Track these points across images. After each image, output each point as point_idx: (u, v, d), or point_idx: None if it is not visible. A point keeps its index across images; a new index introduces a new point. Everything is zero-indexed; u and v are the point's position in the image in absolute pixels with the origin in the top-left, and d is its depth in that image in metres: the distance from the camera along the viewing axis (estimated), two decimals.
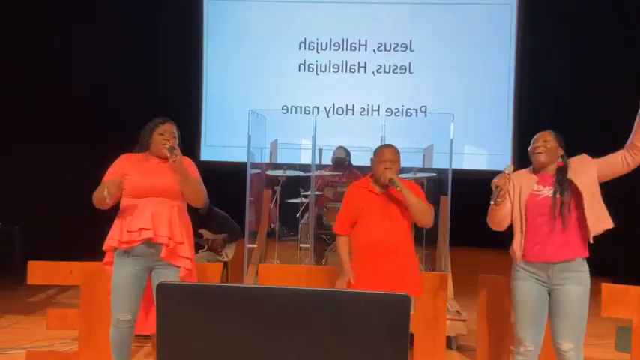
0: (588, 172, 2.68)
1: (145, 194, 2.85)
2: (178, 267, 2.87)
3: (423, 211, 2.98)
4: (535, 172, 2.82)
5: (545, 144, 2.76)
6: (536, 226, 2.72)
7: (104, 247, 2.91)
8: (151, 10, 7.31)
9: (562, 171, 2.72)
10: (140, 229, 2.79)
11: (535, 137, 2.83)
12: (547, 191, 2.72)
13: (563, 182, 2.68)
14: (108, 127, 6.62)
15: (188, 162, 2.99)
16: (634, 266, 5.03)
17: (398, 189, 2.92)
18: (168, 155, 2.80)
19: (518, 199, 2.77)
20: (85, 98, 6.80)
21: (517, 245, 2.76)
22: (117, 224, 2.88)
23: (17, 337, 4.21)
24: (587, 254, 2.71)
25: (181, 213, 2.94)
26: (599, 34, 6.76)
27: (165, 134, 2.92)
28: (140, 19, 7.24)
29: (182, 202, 2.96)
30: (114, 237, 2.86)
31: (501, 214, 2.78)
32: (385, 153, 3.05)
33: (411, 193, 2.95)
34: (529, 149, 2.83)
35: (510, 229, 2.84)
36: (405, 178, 5.10)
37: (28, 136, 6.27)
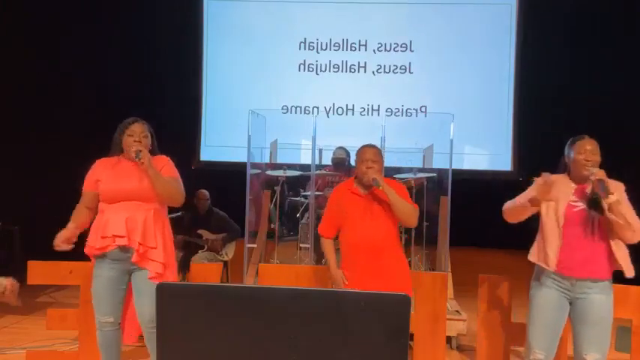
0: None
1: (119, 199, 2.82)
2: (151, 271, 2.85)
3: (406, 211, 2.96)
4: (574, 180, 2.72)
5: (594, 157, 2.63)
6: (568, 238, 2.65)
7: (85, 252, 2.92)
8: (151, 10, 7.31)
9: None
10: (114, 235, 2.77)
11: (580, 145, 2.68)
12: (583, 204, 2.65)
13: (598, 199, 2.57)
14: (108, 127, 6.59)
15: (165, 160, 2.94)
16: (634, 266, 5.02)
17: (380, 188, 2.90)
18: (134, 158, 2.78)
19: (554, 207, 2.69)
20: (85, 98, 6.80)
21: (553, 254, 2.66)
22: (93, 230, 2.87)
23: (17, 337, 4.21)
24: (611, 275, 2.67)
25: (158, 216, 2.88)
26: (599, 34, 6.76)
27: (135, 135, 2.85)
28: (140, 19, 7.24)
29: (159, 204, 2.90)
30: (88, 243, 2.87)
31: (528, 213, 2.73)
32: (365, 152, 3.02)
33: (394, 193, 2.93)
34: (576, 157, 2.67)
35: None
36: (403, 178, 5.12)
37: (28, 136, 6.27)
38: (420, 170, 5.52)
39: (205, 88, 7.79)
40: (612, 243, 2.60)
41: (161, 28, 7.42)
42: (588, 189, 2.65)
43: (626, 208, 2.58)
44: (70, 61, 6.81)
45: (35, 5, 6.48)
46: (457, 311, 4.32)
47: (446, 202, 5.14)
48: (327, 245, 3.15)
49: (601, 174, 2.55)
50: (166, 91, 7.36)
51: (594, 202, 2.61)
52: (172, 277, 2.95)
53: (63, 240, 2.82)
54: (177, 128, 7.06)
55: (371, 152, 3.02)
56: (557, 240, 2.67)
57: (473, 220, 6.34)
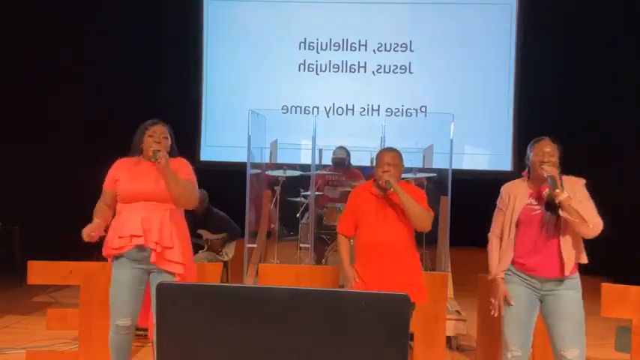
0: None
1: (136, 198, 2.84)
2: (171, 273, 2.84)
3: (418, 215, 2.96)
4: (531, 183, 2.77)
5: (551, 159, 2.66)
6: (526, 240, 2.69)
7: (104, 254, 2.92)
8: (151, 10, 7.31)
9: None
10: (131, 235, 2.78)
11: (538, 147, 2.72)
12: (540, 207, 2.68)
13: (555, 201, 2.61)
14: (108, 127, 6.63)
15: (183, 163, 2.97)
16: (634, 266, 5.02)
17: (391, 189, 2.92)
18: (152, 158, 2.80)
19: (512, 210, 2.74)
20: (85, 98, 6.80)
21: (504, 253, 2.76)
22: (110, 230, 2.88)
23: (17, 337, 4.21)
24: (576, 271, 2.69)
25: (174, 216, 2.89)
26: (600, 35, 6.76)
27: (155, 136, 2.89)
28: (140, 19, 7.25)
29: (175, 206, 2.91)
30: (106, 244, 2.87)
31: None
32: (384, 156, 3.05)
33: (407, 196, 2.93)
34: (533, 159, 2.71)
35: None
36: (406, 179, 5.12)
37: (28, 137, 6.28)
38: (420, 170, 5.52)
39: (205, 88, 7.79)
40: (563, 240, 2.63)
41: (161, 28, 7.42)
42: (545, 191, 2.69)
43: (585, 202, 2.61)
44: (70, 61, 6.81)
45: (35, 5, 6.49)
46: (457, 311, 4.32)
47: (446, 202, 5.15)
48: (342, 243, 3.19)
49: (552, 171, 2.60)
50: (166, 91, 7.36)
51: (550, 204, 2.64)
52: (193, 278, 2.93)
53: (90, 230, 2.79)
54: (178, 128, 7.00)
55: (389, 156, 3.04)
56: (507, 239, 2.74)
57: (473, 220, 6.31)
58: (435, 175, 5.50)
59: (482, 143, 7.48)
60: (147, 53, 7.29)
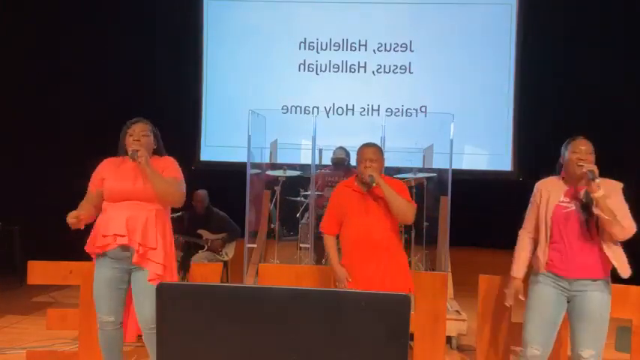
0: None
1: (122, 198, 2.83)
2: (152, 272, 2.83)
3: (400, 207, 3.00)
4: (567, 181, 2.75)
5: (588, 157, 2.64)
6: (560, 239, 2.68)
7: (87, 251, 2.93)
8: (151, 10, 7.31)
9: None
10: (115, 235, 2.78)
11: (574, 145, 2.70)
12: (574, 205, 2.67)
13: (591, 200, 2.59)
14: (108, 127, 6.61)
15: (169, 161, 2.97)
16: (634, 266, 5.02)
17: (374, 184, 2.96)
18: (130, 157, 2.81)
19: (545, 207, 2.72)
20: (85, 98, 6.81)
21: (541, 253, 2.71)
22: (95, 229, 2.88)
23: (17, 337, 4.22)
24: (609, 274, 2.68)
25: (159, 217, 2.87)
26: (600, 34, 6.76)
27: (134, 134, 2.87)
28: (140, 19, 7.25)
29: (161, 205, 2.90)
30: (90, 241, 2.88)
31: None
32: (365, 152, 3.08)
33: (390, 189, 2.98)
34: (569, 157, 2.68)
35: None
36: (403, 178, 5.12)
37: (28, 137, 6.28)
38: (420, 170, 5.52)
39: (205, 88, 7.79)
40: (604, 243, 2.63)
41: (161, 29, 7.41)
42: (582, 192, 2.67)
43: (619, 205, 2.60)
44: (70, 61, 6.81)
45: (35, 5, 6.49)
46: (457, 311, 4.33)
47: (446, 202, 5.14)
48: (330, 242, 3.20)
49: (592, 167, 2.58)
50: (166, 91, 7.36)
51: (586, 204, 2.63)
52: (172, 279, 2.92)
53: (76, 214, 2.80)
54: (178, 128, 7.05)
55: (370, 152, 3.07)
56: (545, 240, 2.71)
57: (473, 220, 6.33)
58: (435, 175, 5.50)
59: (482, 143, 7.47)
60: (147, 53, 7.29)
